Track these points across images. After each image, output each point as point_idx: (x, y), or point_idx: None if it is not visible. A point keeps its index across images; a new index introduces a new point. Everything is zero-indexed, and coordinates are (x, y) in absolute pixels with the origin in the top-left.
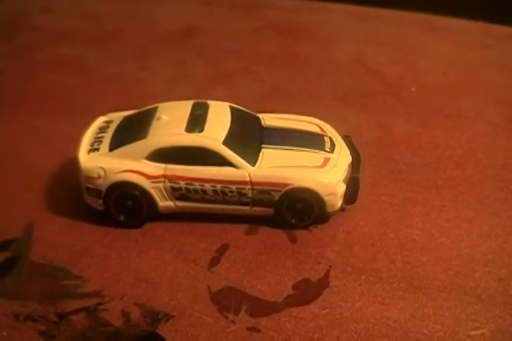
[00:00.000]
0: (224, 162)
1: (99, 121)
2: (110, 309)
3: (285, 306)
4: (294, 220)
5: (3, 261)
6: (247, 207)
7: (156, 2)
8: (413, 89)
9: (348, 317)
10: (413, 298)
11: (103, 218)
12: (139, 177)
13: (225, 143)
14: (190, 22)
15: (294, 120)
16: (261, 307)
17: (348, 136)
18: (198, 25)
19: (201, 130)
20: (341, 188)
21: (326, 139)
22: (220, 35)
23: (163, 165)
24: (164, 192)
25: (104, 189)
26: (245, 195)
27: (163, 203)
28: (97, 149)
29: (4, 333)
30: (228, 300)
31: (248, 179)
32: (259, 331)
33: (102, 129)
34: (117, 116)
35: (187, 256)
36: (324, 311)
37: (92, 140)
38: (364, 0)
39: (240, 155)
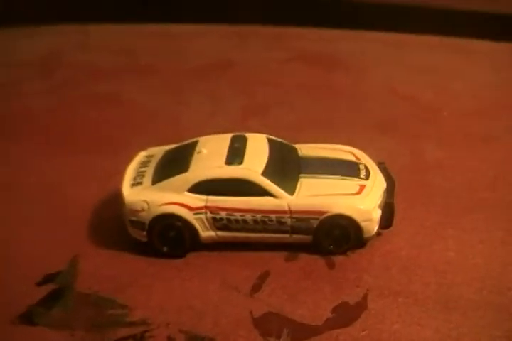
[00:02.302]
0: (263, 192)
1: (141, 155)
2: (156, 336)
3: (325, 329)
4: (331, 246)
5: (50, 293)
6: (287, 235)
7: (189, 36)
8: (445, 114)
9: (386, 339)
10: (448, 318)
11: (147, 249)
12: (181, 209)
13: (264, 174)
14: (223, 55)
15: (329, 149)
16: (302, 331)
17: (383, 163)
18: (230, 57)
19: (240, 162)
20: (377, 214)
21: (361, 167)
22: (253, 66)
23: (204, 197)
24: (206, 223)
25: (147, 221)
26: (284, 223)
27: (205, 233)
28: (140, 183)
29: None
30: (270, 325)
31: (287, 208)
32: None
33: (144, 164)
34: (158, 151)
35: (230, 283)
36: (363, 333)
37: (135, 174)
38: (394, 27)
39: (279, 185)
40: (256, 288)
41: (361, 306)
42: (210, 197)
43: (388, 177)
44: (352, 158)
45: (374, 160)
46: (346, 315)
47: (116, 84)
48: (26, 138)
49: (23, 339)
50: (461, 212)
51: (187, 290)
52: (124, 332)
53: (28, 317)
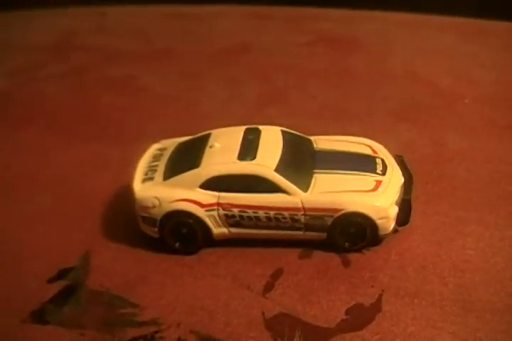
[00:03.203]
0: (276, 189)
1: (153, 148)
2: (167, 337)
3: (338, 332)
4: (347, 244)
5: (61, 290)
6: (300, 232)
7: (206, 19)
8: (466, 101)
9: None
10: (465, 321)
11: (159, 245)
12: (193, 205)
13: (277, 170)
14: (241, 38)
15: (345, 142)
16: (314, 333)
17: (401, 156)
18: (248, 41)
19: (253, 157)
20: (394, 211)
21: (378, 161)
22: (272, 50)
23: (216, 193)
24: (218, 220)
25: (159, 218)
26: (298, 220)
27: (218, 230)
28: (151, 178)
29: None
30: (282, 327)
31: (301, 205)
32: None
33: (156, 157)
34: (170, 143)
35: (242, 282)
36: (377, 336)
37: (146, 169)
38: (413, 7)
39: (292, 182)
40: (268, 287)
41: (375, 308)
42: (223, 194)
43: (406, 172)
44: (369, 151)
45: (392, 150)
46: (360, 317)
47: (132, 68)
48: (39, 126)
49: (34, 338)
50: (483, 206)
51: (198, 289)
52: (134, 332)
53: (40, 315)
